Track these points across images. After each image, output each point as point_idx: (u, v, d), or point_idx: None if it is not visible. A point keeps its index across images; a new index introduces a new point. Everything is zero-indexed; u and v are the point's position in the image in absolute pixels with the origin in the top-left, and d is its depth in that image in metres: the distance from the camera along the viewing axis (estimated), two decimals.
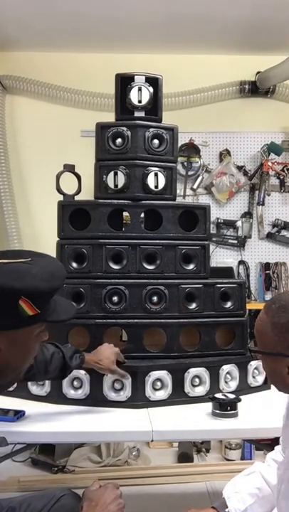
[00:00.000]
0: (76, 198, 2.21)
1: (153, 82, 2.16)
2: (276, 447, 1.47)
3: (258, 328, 1.17)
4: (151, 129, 2.12)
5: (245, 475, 1.42)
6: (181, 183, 3.63)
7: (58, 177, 2.17)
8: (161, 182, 2.11)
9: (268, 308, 1.15)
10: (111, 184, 2.09)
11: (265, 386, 2.11)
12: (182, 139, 3.52)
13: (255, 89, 3.68)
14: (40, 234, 3.60)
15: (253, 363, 2.08)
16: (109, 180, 2.09)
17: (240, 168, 3.72)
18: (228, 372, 2.01)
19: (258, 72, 3.65)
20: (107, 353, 1.78)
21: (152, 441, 1.73)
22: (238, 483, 1.40)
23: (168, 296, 2.03)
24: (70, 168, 2.22)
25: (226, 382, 2.00)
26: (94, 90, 3.59)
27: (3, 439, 1.48)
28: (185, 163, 3.67)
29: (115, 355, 1.79)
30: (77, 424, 1.74)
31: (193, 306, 2.06)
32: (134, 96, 2.12)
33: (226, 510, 1.33)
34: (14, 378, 1.16)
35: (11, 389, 1.96)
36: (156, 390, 1.89)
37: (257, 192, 3.72)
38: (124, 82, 2.16)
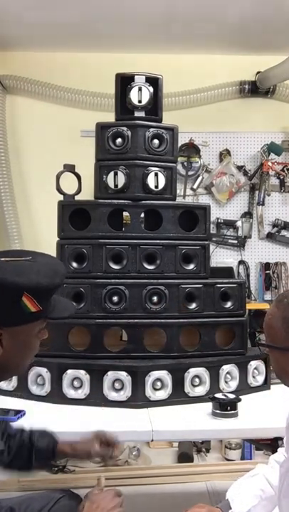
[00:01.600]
0: (76, 198, 2.21)
1: (153, 82, 2.16)
2: (279, 449, 1.47)
3: (268, 322, 1.17)
4: (151, 129, 2.12)
5: (249, 477, 1.43)
6: (181, 183, 3.63)
7: (58, 177, 2.17)
8: (161, 182, 2.11)
9: (280, 302, 1.15)
10: (111, 184, 2.09)
11: (265, 386, 2.11)
12: (182, 139, 3.53)
13: (255, 89, 3.68)
14: (40, 234, 3.60)
15: (253, 363, 2.09)
16: (109, 180, 2.09)
17: (240, 168, 3.72)
18: (228, 372, 2.01)
19: (258, 72, 3.65)
20: (88, 437, 1.45)
21: (152, 441, 1.73)
22: (241, 485, 1.40)
23: (168, 296, 2.03)
24: (70, 168, 2.23)
25: (226, 382, 2.00)
26: (94, 90, 3.59)
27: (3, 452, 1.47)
28: (185, 163, 3.67)
29: (96, 437, 1.44)
30: (77, 424, 1.74)
31: (193, 306, 2.06)
32: (134, 96, 2.12)
33: (230, 511, 1.34)
34: (13, 375, 1.16)
35: (10, 389, 1.96)
36: (156, 390, 1.89)
37: (257, 192, 3.72)
38: (124, 82, 2.16)
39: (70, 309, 1.17)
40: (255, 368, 2.10)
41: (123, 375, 1.87)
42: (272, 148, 3.63)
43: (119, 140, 2.11)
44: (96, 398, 1.88)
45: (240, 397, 1.81)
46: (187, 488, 2.71)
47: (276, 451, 1.50)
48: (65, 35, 3.41)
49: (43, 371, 1.90)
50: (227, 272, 3.49)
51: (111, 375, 1.87)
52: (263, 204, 3.71)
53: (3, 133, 3.60)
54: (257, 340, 1.20)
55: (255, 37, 3.41)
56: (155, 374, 1.88)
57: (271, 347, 1.17)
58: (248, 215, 3.74)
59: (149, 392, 1.87)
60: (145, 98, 2.13)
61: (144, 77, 2.15)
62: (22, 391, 1.93)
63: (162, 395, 1.90)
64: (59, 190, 2.17)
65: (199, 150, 3.70)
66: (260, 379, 2.11)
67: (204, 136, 3.73)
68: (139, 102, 2.13)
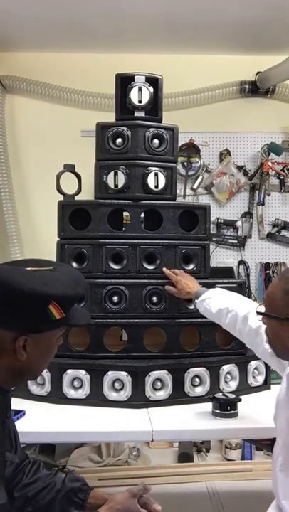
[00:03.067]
0: (76, 198, 2.21)
1: (153, 82, 2.16)
2: None
3: (269, 292, 1.27)
4: (151, 129, 2.12)
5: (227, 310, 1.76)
6: (181, 183, 3.63)
7: (58, 177, 2.17)
8: (162, 182, 2.11)
9: (283, 275, 1.27)
10: (111, 184, 2.09)
11: (265, 386, 2.11)
12: (182, 139, 3.52)
13: (255, 89, 3.67)
14: (40, 234, 3.60)
15: (253, 363, 2.08)
16: (110, 180, 2.09)
17: (240, 168, 3.72)
18: (228, 372, 2.01)
19: (258, 72, 3.65)
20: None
21: (152, 441, 1.73)
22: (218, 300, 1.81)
23: (168, 296, 2.02)
24: (70, 168, 2.23)
25: (226, 382, 2.01)
26: (94, 90, 3.59)
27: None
28: (185, 163, 3.67)
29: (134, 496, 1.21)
30: (77, 424, 1.74)
31: (194, 306, 2.06)
32: (134, 96, 2.12)
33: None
34: (31, 379, 1.24)
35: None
36: (156, 390, 1.90)
37: (257, 192, 3.71)
38: (124, 82, 2.15)
39: (87, 317, 1.24)
40: (255, 368, 2.10)
41: (123, 375, 1.87)
42: (272, 148, 3.63)
43: (119, 140, 2.11)
44: (96, 398, 1.88)
45: (240, 397, 1.81)
46: (187, 488, 2.72)
47: None
48: (65, 35, 3.41)
49: (43, 371, 1.90)
50: (227, 271, 3.49)
51: (111, 375, 1.88)
52: (263, 204, 3.71)
53: (3, 133, 3.59)
54: (257, 310, 1.29)
55: (255, 37, 3.41)
56: (155, 374, 1.89)
57: (270, 316, 1.26)
58: (248, 215, 3.74)
59: (149, 392, 1.87)
60: (145, 98, 2.13)
61: (144, 77, 2.15)
62: (22, 391, 1.93)
63: (162, 395, 1.90)
64: (59, 190, 2.17)
65: (199, 150, 3.69)
66: (260, 379, 2.11)
67: (204, 136, 3.72)
68: (139, 102, 2.13)
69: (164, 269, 2.02)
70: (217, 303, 1.82)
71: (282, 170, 3.72)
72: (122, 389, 1.88)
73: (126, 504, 1.16)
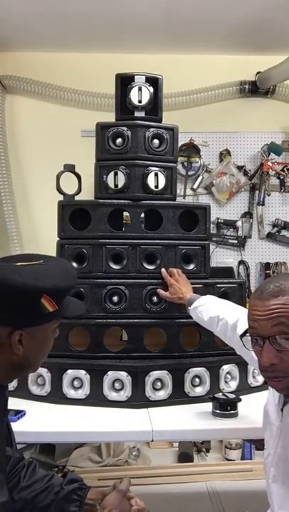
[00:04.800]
0: (76, 198, 2.21)
1: (153, 82, 2.16)
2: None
3: (284, 312, 1.10)
4: (151, 129, 2.12)
5: (219, 317, 1.76)
6: (181, 183, 3.64)
7: (58, 177, 2.17)
8: (162, 182, 2.10)
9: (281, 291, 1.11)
10: (111, 184, 2.09)
11: (265, 386, 2.11)
12: (182, 139, 3.52)
13: (255, 89, 3.68)
14: (40, 234, 3.60)
15: None
16: (110, 180, 2.09)
17: (240, 168, 3.72)
18: (228, 372, 2.01)
19: (258, 72, 3.65)
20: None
21: (152, 441, 1.73)
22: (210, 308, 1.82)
23: None
24: (70, 168, 2.22)
25: (226, 382, 2.00)
26: (94, 90, 3.59)
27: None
28: (185, 163, 3.67)
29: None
30: (77, 424, 1.74)
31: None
32: (134, 96, 2.12)
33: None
34: (30, 372, 1.27)
35: (11, 389, 1.96)
36: (156, 390, 1.89)
37: (257, 192, 3.72)
38: (124, 82, 2.15)
39: (82, 308, 1.27)
40: (255, 368, 2.09)
41: (123, 375, 1.87)
42: (272, 148, 3.64)
43: (119, 140, 2.11)
44: (96, 398, 1.88)
45: (240, 397, 1.81)
46: (187, 488, 2.72)
47: None
48: (65, 35, 3.41)
49: (43, 371, 1.90)
50: (227, 272, 3.49)
51: (111, 375, 1.88)
52: (263, 204, 3.71)
53: (3, 133, 3.60)
54: (276, 337, 1.03)
55: (255, 37, 3.41)
56: (155, 374, 1.89)
57: None
58: (248, 215, 3.74)
59: (149, 392, 1.87)
60: (145, 98, 2.13)
61: (144, 77, 2.15)
62: (22, 391, 1.93)
63: (162, 395, 1.90)
64: (59, 190, 2.17)
65: (199, 150, 3.70)
66: (260, 379, 2.10)
67: (204, 136, 3.73)
68: (139, 102, 2.13)
69: (162, 270, 2.02)
70: (208, 311, 1.82)
71: (282, 170, 3.72)
72: (122, 389, 1.88)
73: (120, 506, 1.19)
